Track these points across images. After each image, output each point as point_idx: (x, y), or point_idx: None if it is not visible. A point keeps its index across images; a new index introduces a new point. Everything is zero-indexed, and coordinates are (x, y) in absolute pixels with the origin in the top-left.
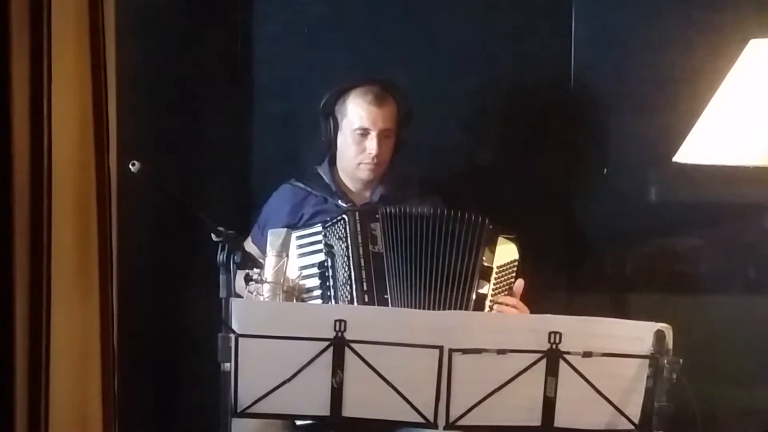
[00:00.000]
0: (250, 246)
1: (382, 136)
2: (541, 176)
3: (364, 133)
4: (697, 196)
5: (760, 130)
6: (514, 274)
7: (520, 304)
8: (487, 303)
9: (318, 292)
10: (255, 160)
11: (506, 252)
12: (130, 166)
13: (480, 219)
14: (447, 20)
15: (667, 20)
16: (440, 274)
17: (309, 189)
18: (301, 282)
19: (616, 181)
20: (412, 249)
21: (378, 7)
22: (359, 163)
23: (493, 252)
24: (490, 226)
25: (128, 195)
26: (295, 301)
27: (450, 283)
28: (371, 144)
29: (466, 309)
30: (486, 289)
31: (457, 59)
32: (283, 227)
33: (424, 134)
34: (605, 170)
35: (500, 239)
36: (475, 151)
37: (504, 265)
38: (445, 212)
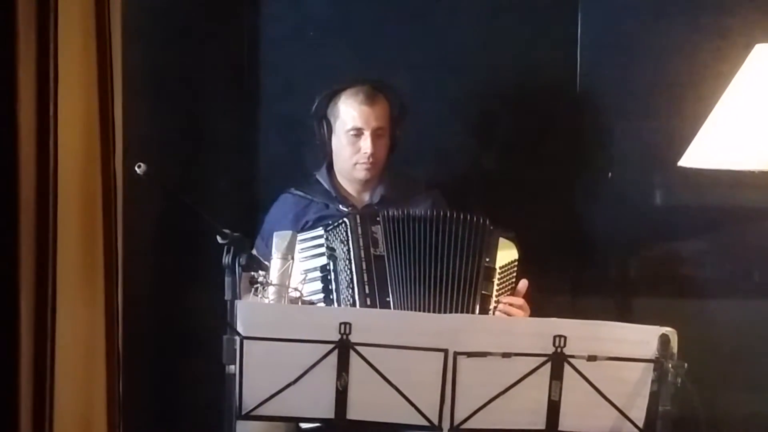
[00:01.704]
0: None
1: (375, 135)
2: (546, 180)
3: (358, 133)
4: (702, 200)
5: (765, 135)
6: (515, 274)
7: (526, 305)
8: (492, 304)
9: (321, 295)
10: (261, 162)
11: (506, 252)
12: (136, 168)
13: (480, 220)
14: (452, 23)
15: (673, 24)
16: (443, 276)
17: (309, 197)
18: (305, 297)
19: (621, 185)
20: (414, 251)
21: (384, 9)
22: (355, 164)
23: (494, 253)
24: (491, 227)
25: (134, 197)
26: (300, 304)
27: (454, 284)
28: (365, 143)
29: (472, 310)
30: (490, 290)
31: (463, 62)
32: None
33: (430, 137)
34: (610, 174)
35: (500, 240)
36: (479, 155)
37: (506, 265)
38: (446, 214)
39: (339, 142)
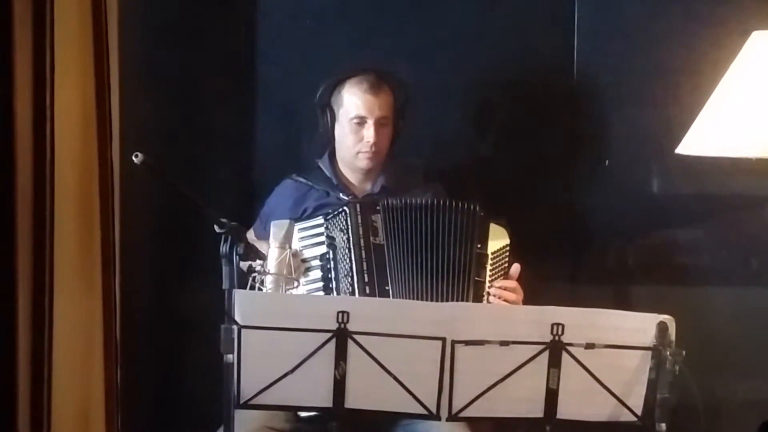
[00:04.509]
0: (252, 239)
1: (378, 124)
2: (543, 168)
3: (361, 121)
4: (700, 187)
5: (763, 122)
6: (507, 259)
7: (519, 288)
8: (485, 290)
9: (320, 284)
10: (258, 151)
11: (498, 238)
12: (133, 158)
13: (472, 207)
14: (450, 12)
15: (670, 12)
16: (440, 264)
17: (310, 183)
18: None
19: (618, 172)
20: (412, 240)
21: None
22: (358, 152)
23: (486, 239)
24: (481, 214)
25: (131, 186)
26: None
27: (450, 272)
28: (369, 132)
29: (467, 297)
30: (483, 276)
31: (460, 51)
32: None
33: (428, 126)
34: (607, 162)
35: (491, 225)
36: (477, 143)
37: (497, 251)
38: (440, 202)
39: (342, 130)
